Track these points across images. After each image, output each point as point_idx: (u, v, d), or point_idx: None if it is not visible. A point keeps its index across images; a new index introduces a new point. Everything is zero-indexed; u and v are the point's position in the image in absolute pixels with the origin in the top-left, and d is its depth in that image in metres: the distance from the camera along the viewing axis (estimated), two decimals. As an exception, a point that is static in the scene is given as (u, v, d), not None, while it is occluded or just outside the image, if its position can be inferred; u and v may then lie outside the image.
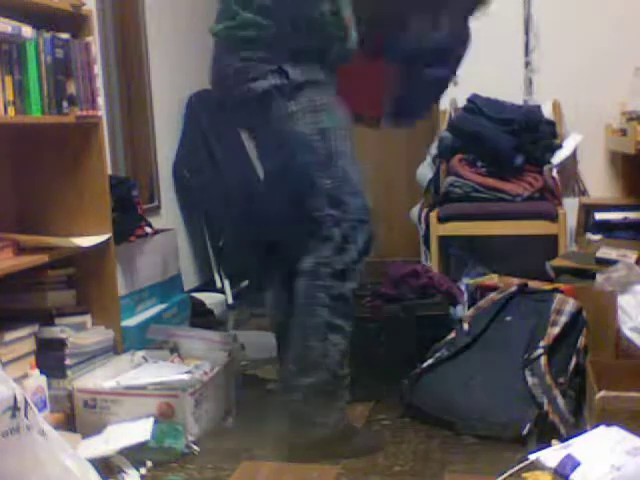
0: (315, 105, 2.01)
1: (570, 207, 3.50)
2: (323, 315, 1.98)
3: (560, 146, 3.54)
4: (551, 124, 3.57)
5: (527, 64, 3.78)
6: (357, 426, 2.15)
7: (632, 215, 3.41)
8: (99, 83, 2.42)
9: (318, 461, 1.95)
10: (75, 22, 2.31)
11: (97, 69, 2.36)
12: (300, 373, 1.98)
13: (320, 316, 1.98)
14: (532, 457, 1.78)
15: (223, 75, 2.08)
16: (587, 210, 3.59)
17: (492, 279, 2.75)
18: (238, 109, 2.11)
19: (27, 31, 2.08)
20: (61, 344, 2.19)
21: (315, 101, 2.01)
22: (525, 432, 1.97)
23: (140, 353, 2.36)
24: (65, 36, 2.22)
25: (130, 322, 2.61)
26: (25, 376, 2.06)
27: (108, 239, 2.37)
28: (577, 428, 1.96)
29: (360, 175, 2.07)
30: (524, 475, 1.77)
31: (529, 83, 3.79)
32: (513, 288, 2.36)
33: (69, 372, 2.20)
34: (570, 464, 1.65)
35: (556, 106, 3.69)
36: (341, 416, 2.02)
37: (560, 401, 2.02)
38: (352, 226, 2.00)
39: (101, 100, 2.45)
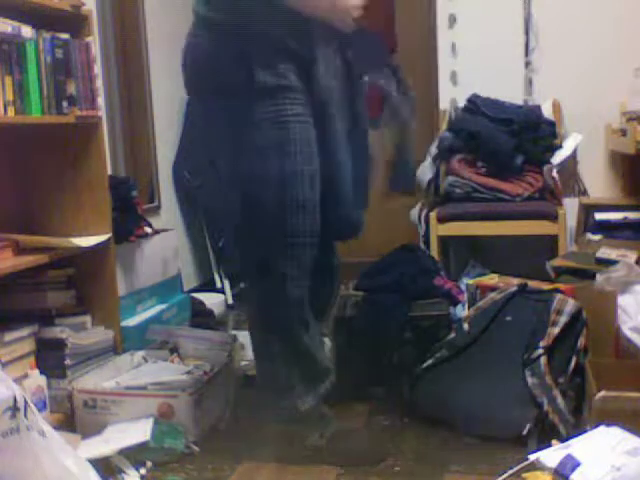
0: (283, 116, 1.80)
1: (570, 207, 3.50)
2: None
3: (560, 146, 3.54)
4: (551, 124, 3.57)
5: (527, 64, 3.77)
6: (361, 431, 2.13)
7: (632, 215, 3.41)
8: (99, 83, 2.42)
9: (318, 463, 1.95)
10: (75, 22, 2.31)
11: (97, 69, 2.36)
12: (278, 396, 1.98)
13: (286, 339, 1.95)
14: (532, 457, 1.77)
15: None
16: (587, 210, 3.59)
17: (492, 279, 2.75)
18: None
19: (27, 31, 2.08)
20: (61, 344, 2.19)
21: (285, 111, 1.81)
22: (525, 432, 1.97)
23: (140, 353, 2.37)
24: (65, 36, 2.22)
25: (130, 322, 2.61)
26: (25, 376, 2.06)
27: (108, 239, 2.37)
28: (577, 428, 1.96)
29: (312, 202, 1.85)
30: (524, 475, 1.77)
31: (529, 83, 3.78)
32: (513, 288, 2.36)
33: (69, 372, 2.20)
34: (570, 464, 1.65)
35: (556, 106, 3.69)
36: (328, 425, 1.99)
37: (560, 401, 2.02)
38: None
39: (101, 100, 2.45)
